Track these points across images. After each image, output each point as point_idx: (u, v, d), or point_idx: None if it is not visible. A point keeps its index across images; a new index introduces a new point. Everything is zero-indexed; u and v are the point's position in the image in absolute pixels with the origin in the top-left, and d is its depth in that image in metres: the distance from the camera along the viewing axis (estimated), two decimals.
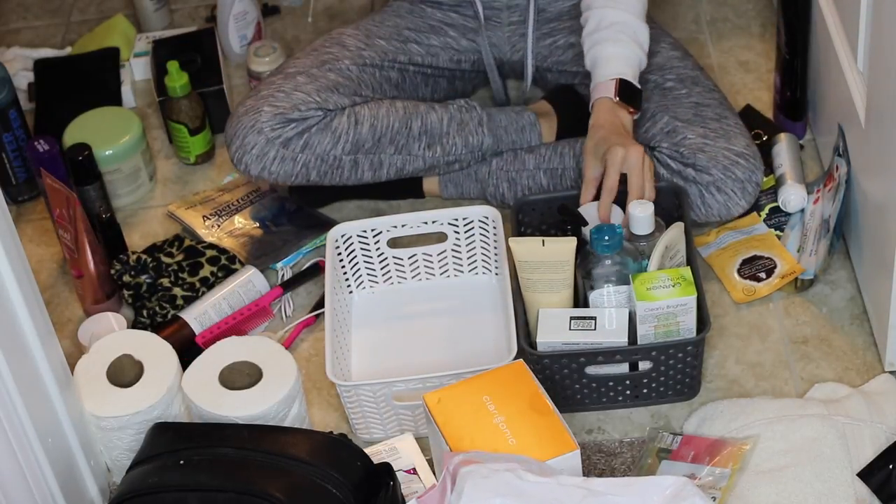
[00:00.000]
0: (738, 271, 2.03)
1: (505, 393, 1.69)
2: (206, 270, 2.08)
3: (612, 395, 1.87)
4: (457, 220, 2.03)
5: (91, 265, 2.05)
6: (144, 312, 2.05)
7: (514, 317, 1.85)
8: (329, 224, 2.15)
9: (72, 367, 1.79)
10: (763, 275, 2.02)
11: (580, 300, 1.89)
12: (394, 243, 2.05)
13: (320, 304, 2.06)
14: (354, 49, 2.15)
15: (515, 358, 1.78)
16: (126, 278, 2.07)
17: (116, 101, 2.44)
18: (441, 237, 2.05)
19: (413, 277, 2.07)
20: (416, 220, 2.03)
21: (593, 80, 2.02)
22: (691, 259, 1.90)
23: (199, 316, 2.02)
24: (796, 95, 2.21)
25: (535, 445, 1.62)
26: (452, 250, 2.05)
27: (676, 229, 1.87)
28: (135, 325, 2.06)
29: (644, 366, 1.84)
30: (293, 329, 2.04)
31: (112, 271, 2.07)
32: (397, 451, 1.81)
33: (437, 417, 1.67)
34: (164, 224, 2.25)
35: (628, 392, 1.87)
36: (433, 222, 2.03)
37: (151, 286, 2.07)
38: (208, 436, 1.69)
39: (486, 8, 2.19)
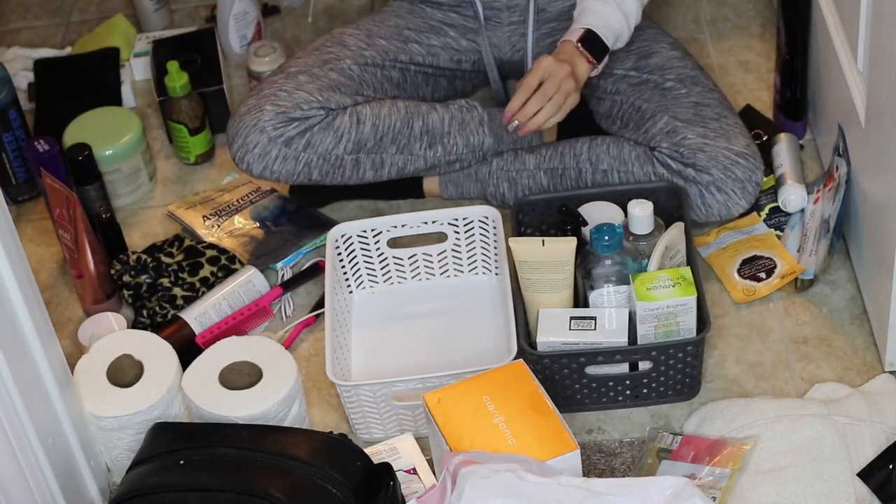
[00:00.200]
0: (738, 271, 2.03)
1: (505, 393, 1.69)
2: (206, 270, 2.08)
3: (612, 395, 1.87)
4: (457, 220, 2.03)
5: (91, 265, 2.05)
6: (144, 312, 2.05)
7: (514, 317, 1.85)
8: (329, 224, 2.15)
9: (72, 367, 1.79)
10: (763, 275, 2.02)
11: (580, 300, 1.89)
12: (394, 243, 2.05)
13: (320, 304, 2.06)
14: (356, 49, 2.15)
15: (515, 358, 1.78)
16: (126, 278, 2.07)
17: (116, 101, 2.44)
18: (441, 237, 2.05)
19: (413, 277, 2.07)
20: (416, 220, 2.03)
21: (570, 28, 2.06)
22: (691, 259, 1.90)
23: (199, 316, 2.02)
24: (796, 95, 2.21)
25: (535, 445, 1.62)
26: (452, 250, 2.05)
27: (676, 229, 1.87)
28: (135, 325, 2.06)
29: (644, 366, 1.84)
30: (293, 329, 2.04)
31: (112, 271, 2.07)
32: (397, 451, 1.81)
33: (437, 417, 1.67)
34: (164, 224, 2.25)
35: (628, 392, 1.87)
36: (433, 222, 2.03)
37: (151, 286, 2.07)
38: (208, 436, 1.69)
39: (486, 8, 2.19)
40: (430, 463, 1.80)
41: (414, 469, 1.79)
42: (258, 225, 2.20)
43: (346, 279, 2.05)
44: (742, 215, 2.07)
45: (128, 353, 1.84)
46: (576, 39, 2.02)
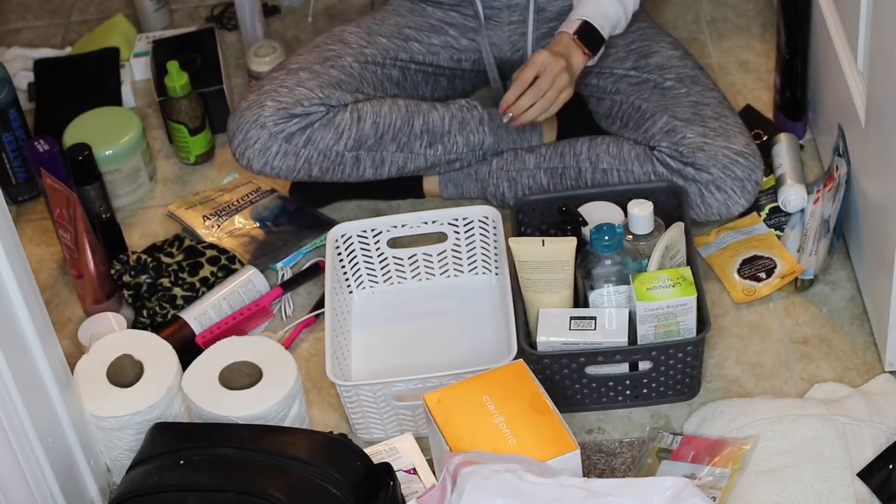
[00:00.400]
0: (738, 271, 2.03)
1: (505, 393, 1.69)
2: (206, 270, 2.08)
3: (612, 395, 1.87)
4: (457, 220, 2.03)
5: (91, 265, 2.05)
6: (144, 312, 2.05)
7: (514, 317, 1.85)
8: (329, 224, 2.15)
9: (72, 367, 1.79)
10: (763, 275, 2.02)
11: (580, 300, 1.89)
12: (394, 243, 2.06)
13: (320, 304, 2.06)
14: (356, 46, 2.15)
15: (515, 358, 1.78)
16: (126, 278, 2.07)
17: (116, 101, 2.44)
18: (441, 237, 2.05)
19: (413, 277, 2.07)
20: (416, 220, 2.03)
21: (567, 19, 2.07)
22: (691, 259, 1.90)
23: (199, 316, 2.02)
24: (796, 95, 2.21)
25: (535, 445, 1.62)
26: (452, 250, 2.05)
27: (676, 229, 1.87)
28: (135, 325, 2.06)
29: (644, 366, 1.84)
30: (293, 329, 2.04)
31: (112, 271, 2.07)
32: (397, 451, 1.81)
33: (437, 417, 1.67)
34: (164, 224, 2.25)
35: (628, 392, 1.87)
36: (433, 222, 2.03)
37: (151, 286, 2.07)
38: (208, 436, 1.69)
39: (486, 7, 2.19)
40: (430, 463, 1.80)
41: (414, 469, 1.79)
42: (258, 225, 2.20)
43: (346, 279, 2.05)
44: (742, 215, 2.08)
45: (128, 353, 1.84)
46: (572, 31, 2.04)
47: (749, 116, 2.26)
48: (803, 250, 2.03)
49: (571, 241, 1.84)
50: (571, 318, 1.83)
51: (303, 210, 2.21)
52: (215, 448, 1.66)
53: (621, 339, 1.81)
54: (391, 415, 1.84)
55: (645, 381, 1.85)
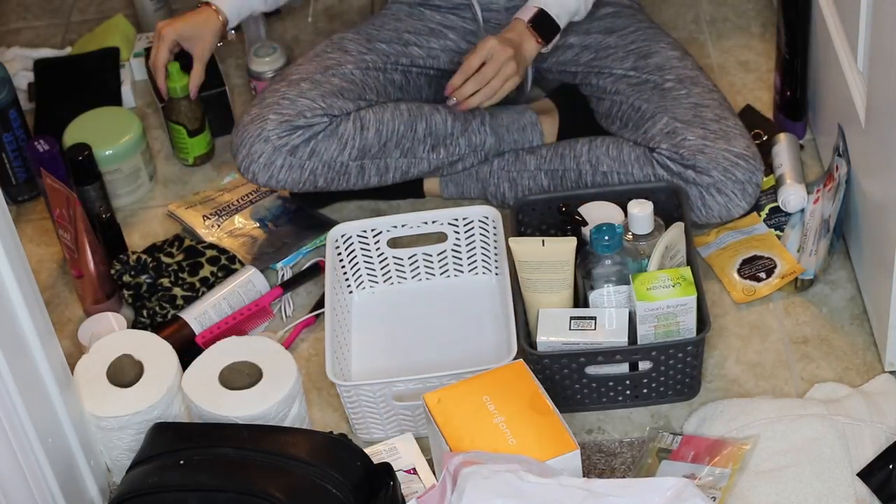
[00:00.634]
0: (738, 271, 2.03)
1: (505, 393, 1.69)
2: (206, 270, 2.08)
3: (612, 395, 1.87)
4: (457, 220, 2.03)
5: (91, 265, 2.05)
6: (144, 312, 2.05)
7: (514, 317, 1.85)
8: (329, 224, 2.15)
9: (72, 367, 1.79)
10: (763, 275, 2.02)
11: (580, 300, 1.89)
12: (394, 243, 2.06)
13: (320, 304, 2.06)
14: (356, 54, 2.15)
15: (515, 358, 1.78)
16: (126, 278, 2.07)
17: (116, 101, 2.44)
18: (441, 237, 2.05)
19: (413, 277, 2.07)
20: (416, 220, 2.03)
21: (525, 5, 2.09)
22: (691, 259, 1.90)
23: (199, 316, 2.02)
24: (796, 95, 2.21)
25: (535, 445, 1.62)
26: (452, 250, 2.05)
27: (676, 229, 1.87)
28: (135, 325, 2.06)
29: (644, 366, 1.84)
30: (293, 329, 2.04)
31: (112, 271, 2.07)
32: (397, 451, 1.81)
33: (437, 417, 1.67)
34: (164, 224, 2.25)
35: (628, 392, 1.87)
36: (433, 222, 2.03)
37: (151, 286, 2.07)
38: (208, 436, 1.69)
39: (484, 10, 2.19)
40: (430, 463, 1.80)
41: (414, 469, 1.79)
42: (258, 225, 2.20)
43: (346, 279, 2.05)
44: (742, 216, 2.07)
45: (128, 353, 1.84)
46: (527, 19, 2.05)
47: (749, 116, 2.26)
48: (803, 250, 2.03)
49: (571, 241, 1.84)
50: (571, 318, 1.83)
51: (303, 210, 2.21)
52: (215, 448, 1.66)
53: (621, 339, 1.81)
54: (391, 415, 1.84)
55: (645, 381, 1.85)
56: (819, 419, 1.77)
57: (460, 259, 2.06)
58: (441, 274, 2.07)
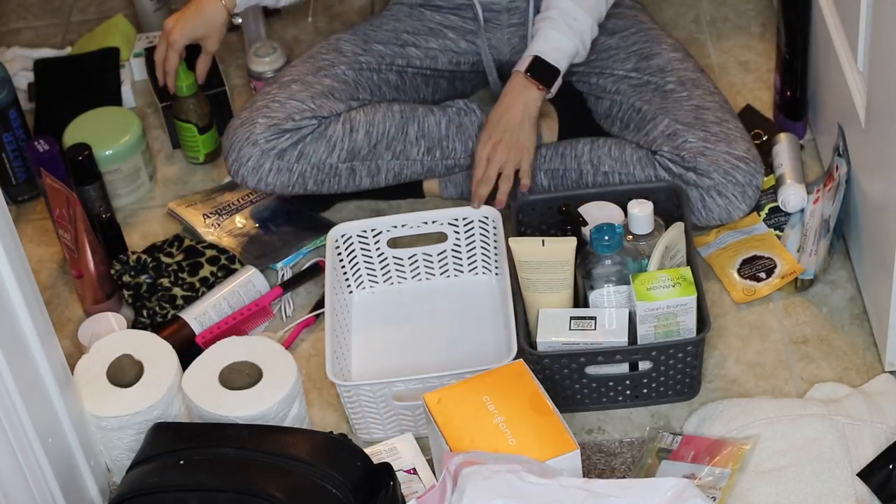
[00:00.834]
0: (738, 271, 2.03)
1: (505, 393, 1.69)
2: (205, 270, 2.08)
3: (612, 395, 1.87)
4: (457, 220, 2.03)
5: (91, 265, 2.05)
6: (144, 312, 2.05)
7: (514, 317, 1.85)
8: (328, 225, 2.15)
9: (72, 367, 1.79)
10: (763, 275, 2.02)
11: (580, 300, 1.89)
12: (394, 243, 2.06)
13: (320, 304, 2.07)
14: (351, 55, 2.15)
15: (515, 358, 1.78)
16: (126, 278, 2.07)
17: (116, 101, 2.44)
18: (441, 237, 2.05)
19: (413, 277, 2.07)
20: (416, 220, 2.03)
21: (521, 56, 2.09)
22: (691, 259, 1.90)
23: (199, 316, 2.02)
24: (796, 95, 2.21)
25: (535, 445, 1.62)
26: (452, 250, 2.05)
27: (676, 229, 1.87)
28: (135, 325, 2.06)
29: (644, 366, 1.84)
30: (293, 329, 2.04)
31: (112, 271, 2.07)
32: (397, 451, 1.81)
33: (437, 417, 1.67)
34: (164, 224, 2.25)
35: (628, 392, 1.87)
36: (433, 222, 2.03)
37: (151, 286, 2.07)
38: (208, 436, 1.69)
39: (485, 10, 2.19)
40: (430, 463, 1.80)
41: (414, 469, 1.79)
42: (258, 225, 2.20)
43: (347, 279, 2.05)
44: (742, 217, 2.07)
45: (128, 353, 1.84)
46: (524, 69, 2.04)
47: (749, 116, 2.26)
48: (803, 250, 2.03)
49: (571, 241, 1.84)
50: (571, 318, 1.83)
51: (303, 211, 2.21)
52: (215, 448, 1.66)
53: (621, 339, 1.81)
54: (391, 415, 1.84)
55: (645, 381, 1.85)
56: (819, 419, 1.77)
57: (460, 259, 2.06)
58: (441, 274, 2.07)
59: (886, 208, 1.79)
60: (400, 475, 1.75)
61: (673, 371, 1.84)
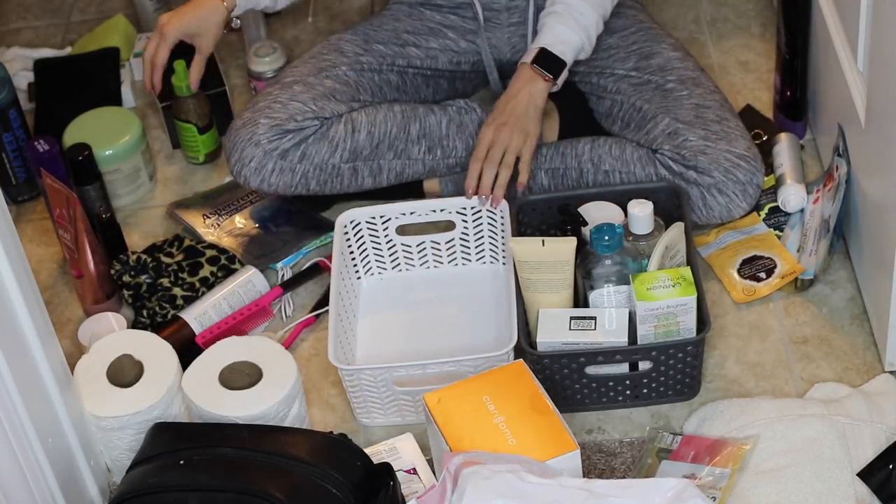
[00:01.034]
0: (738, 271, 2.03)
1: (505, 393, 1.69)
2: (205, 270, 2.08)
3: (612, 395, 1.87)
4: (465, 208, 2.04)
5: (91, 265, 2.05)
6: (144, 312, 2.05)
7: (514, 306, 1.85)
8: (329, 225, 2.15)
9: (72, 367, 1.79)
10: (763, 275, 2.02)
11: (580, 300, 1.89)
12: (402, 230, 2.06)
13: (320, 304, 2.07)
14: (352, 55, 2.15)
15: (515, 357, 1.79)
16: (126, 278, 2.07)
17: (116, 101, 2.44)
18: (449, 225, 2.06)
19: (421, 265, 2.08)
20: (425, 207, 2.04)
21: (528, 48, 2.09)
22: (691, 259, 1.90)
23: (199, 316, 2.02)
24: (796, 95, 2.21)
25: (535, 445, 1.62)
26: (460, 239, 2.06)
27: (676, 229, 1.87)
28: (135, 324, 2.06)
29: (644, 366, 1.84)
30: (293, 329, 2.04)
31: (112, 271, 2.07)
32: (397, 451, 1.81)
33: (437, 417, 1.67)
34: (164, 224, 2.26)
35: (628, 392, 1.87)
36: (441, 210, 2.04)
37: (151, 286, 2.07)
38: (208, 436, 1.69)
39: (485, 10, 2.19)
40: (430, 463, 1.80)
41: (414, 469, 1.79)
42: (258, 225, 2.20)
43: (355, 265, 2.06)
44: (742, 216, 2.07)
45: (128, 353, 1.84)
46: (530, 60, 2.04)
47: (749, 116, 2.26)
48: (803, 250, 2.03)
49: (571, 241, 1.84)
50: (571, 318, 1.83)
51: (303, 210, 2.21)
52: (215, 448, 1.66)
53: (621, 339, 1.81)
54: (392, 400, 1.85)
55: (645, 381, 1.85)
56: (819, 419, 1.77)
57: (468, 248, 2.07)
58: (449, 262, 2.08)
59: (886, 208, 1.79)
60: (400, 475, 1.75)
61: (673, 371, 1.84)
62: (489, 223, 2.04)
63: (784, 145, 2.16)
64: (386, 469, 1.68)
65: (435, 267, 2.09)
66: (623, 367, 1.84)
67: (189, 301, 2.06)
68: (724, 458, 1.74)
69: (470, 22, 2.22)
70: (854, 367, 1.90)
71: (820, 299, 2.00)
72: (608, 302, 1.84)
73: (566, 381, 1.85)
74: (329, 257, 2.08)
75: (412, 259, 2.08)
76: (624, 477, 1.79)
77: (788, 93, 2.21)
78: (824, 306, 1.99)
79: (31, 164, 2.17)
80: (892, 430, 1.76)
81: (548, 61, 2.04)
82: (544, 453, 1.61)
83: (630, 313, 1.83)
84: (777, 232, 2.08)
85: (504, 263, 2.06)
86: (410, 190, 2.19)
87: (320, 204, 2.21)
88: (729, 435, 1.79)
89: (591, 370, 1.84)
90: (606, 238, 1.82)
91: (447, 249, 2.07)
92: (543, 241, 1.84)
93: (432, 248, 2.07)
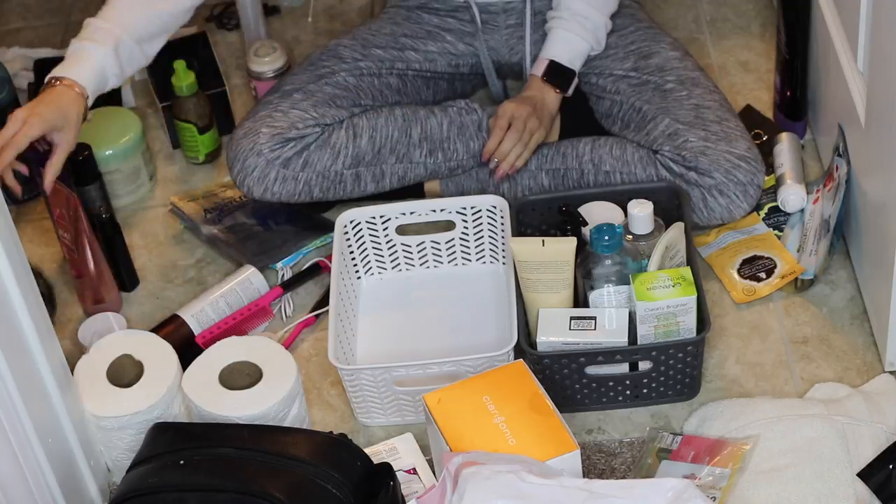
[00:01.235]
0: (738, 271, 2.03)
1: (505, 393, 1.69)
2: None
3: (612, 395, 1.87)
4: (465, 208, 2.04)
5: (91, 265, 2.05)
6: None
7: (515, 305, 1.85)
8: (329, 225, 2.16)
9: (72, 367, 1.79)
10: (763, 275, 2.02)
11: (580, 300, 1.89)
12: (402, 230, 2.06)
13: (320, 304, 2.07)
14: (351, 61, 2.15)
15: (515, 358, 1.79)
16: None
17: (116, 101, 2.44)
18: (449, 225, 2.06)
19: (421, 265, 2.08)
20: (425, 207, 2.04)
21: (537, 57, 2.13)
22: (691, 259, 1.90)
23: (196, 314, 2.02)
24: (796, 95, 2.21)
25: (535, 445, 1.62)
26: (460, 239, 2.06)
27: (676, 229, 1.87)
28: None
29: (644, 366, 1.84)
30: (293, 329, 2.04)
31: None
32: (397, 451, 1.81)
33: (437, 417, 1.67)
34: (164, 224, 2.26)
35: (628, 392, 1.87)
36: (441, 210, 2.04)
37: None
38: (208, 436, 1.69)
39: (482, 12, 2.19)
40: (430, 463, 1.80)
41: (414, 469, 1.79)
42: (258, 222, 2.20)
43: (355, 265, 2.06)
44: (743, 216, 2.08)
45: (128, 353, 1.84)
46: (540, 74, 2.10)
47: (749, 116, 2.26)
48: (803, 250, 2.03)
49: (571, 241, 1.84)
50: (571, 318, 1.83)
51: (303, 210, 2.21)
52: (215, 448, 1.66)
53: (621, 339, 1.81)
54: (392, 400, 1.85)
55: (645, 381, 1.85)
56: (819, 419, 1.77)
57: (468, 248, 2.07)
58: (449, 262, 2.08)
59: (886, 208, 1.79)
60: (400, 475, 1.75)
61: (673, 371, 1.84)
62: (489, 223, 2.04)
63: (784, 145, 2.16)
64: (386, 469, 1.68)
65: (435, 267, 2.09)
66: (623, 367, 1.84)
67: None
68: (724, 458, 1.74)
69: (467, 25, 2.22)
70: (854, 367, 1.90)
71: (820, 299, 2.00)
72: (608, 302, 1.84)
73: (566, 381, 1.85)
74: (329, 257, 2.08)
75: (412, 259, 2.08)
76: (624, 477, 1.79)
77: (788, 93, 2.21)
78: (824, 306, 1.99)
79: (32, 164, 2.16)
80: (892, 430, 1.76)
81: (557, 74, 2.09)
82: (544, 453, 1.61)
83: (630, 313, 1.83)
84: (777, 232, 2.08)
85: (504, 263, 2.06)
86: (411, 190, 2.20)
87: (321, 205, 2.21)
88: (729, 435, 1.79)
89: (591, 370, 1.84)
90: (606, 238, 1.82)
91: (447, 249, 2.08)
92: (543, 241, 1.84)
93: (432, 248, 2.07)
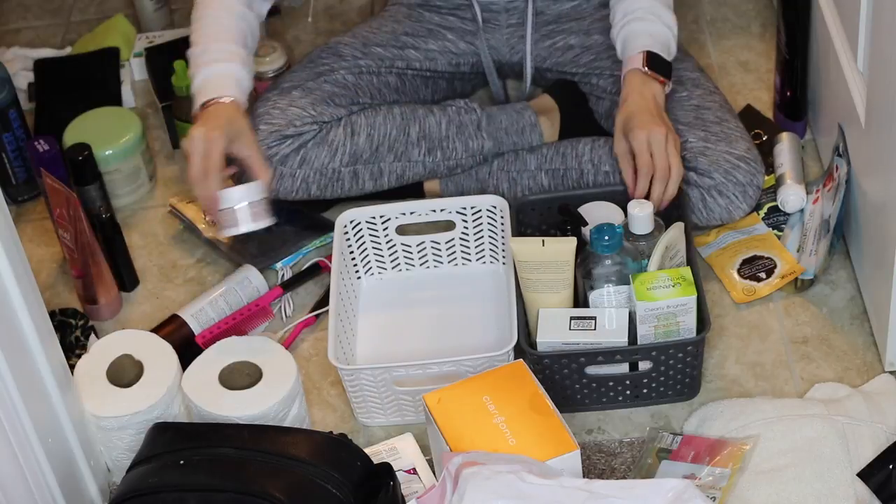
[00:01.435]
0: (738, 271, 2.03)
1: (505, 393, 1.69)
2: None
3: (612, 395, 1.87)
4: (465, 208, 2.04)
5: (91, 265, 2.05)
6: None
7: (515, 306, 1.85)
8: (329, 225, 2.15)
9: (72, 367, 1.79)
10: (763, 275, 2.02)
11: (580, 300, 1.89)
12: (402, 230, 2.06)
13: (320, 304, 2.07)
14: (351, 59, 2.15)
15: (515, 358, 1.79)
16: None
17: (116, 101, 2.44)
18: (449, 225, 2.06)
19: (421, 265, 2.08)
20: (425, 207, 2.04)
21: (623, 59, 2.02)
22: (691, 259, 1.90)
23: (196, 314, 2.02)
24: (796, 95, 2.21)
25: (535, 445, 1.62)
26: (460, 239, 2.06)
27: (676, 229, 1.87)
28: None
29: (644, 366, 1.84)
30: (293, 329, 2.04)
31: None
32: (397, 451, 1.81)
33: (437, 417, 1.67)
34: (164, 224, 2.26)
35: (628, 392, 1.87)
36: (441, 210, 2.04)
37: None
38: (208, 436, 1.69)
39: (484, 11, 2.19)
40: (430, 463, 1.80)
41: (414, 469, 1.79)
42: None
43: (355, 265, 2.06)
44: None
45: (128, 353, 1.84)
46: (641, 65, 1.97)
47: (749, 116, 2.26)
48: (803, 250, 2.03)
49: (571, 241, 1.84)
50: (571, 318, 1.83)
51: (302, 210, 2.21)
52: (215, 448, 1.66)
53: (621, 339, 1.81)
54: (392, 400, 1.85)
55: (645, 381, 1.85)
56: (819, 419, 1.77)
57: (468, 248, 2.07)
58: (449, 262, 2.08)
59: (886, 208, 1.79)
60: (400, 475, 1.75)
61: (673, 371, 1.84)
62: (489, 223, 2.04)
63: (784, 145, 2.16)
64: (386, 469, 1.68)
65: (435, 267, 2.09)
66: (623, 367, 1.84)
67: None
68: (724, 458, 1.74)
69: (469, 23, 2.22)
70: (854, 367, 1.90)
71: (820, 299, 2.00)
72: (608, 302, 1.84)
73: (566, 381, 1.85)
74: (329, 257, 2.08)
75: (412, 259, 2.08)
76: (624, 477, 1.79)
77: (788, 93, 2.21)
78: (824, 306, 1.99)
79: (31, 164, 2.17)
80: (892, 430, 1.76)
81: (656, 63, 1.98)
82: (544, 453, 1.61)
83: (630, 313, 1.83)
84: (777, 232, 2.08)
85: (504, 263, 2.06)
86: (410, 190, 2.20)
87: (320, 205, 2.21)
88: (729, 435, 1.79)
89: (591, 370, 1.84)
90: (606, 238, 1.82)
91: (447, 249, 2.08)
92: (543, 241, 1.84)
93: (432, 248, 2.07)
